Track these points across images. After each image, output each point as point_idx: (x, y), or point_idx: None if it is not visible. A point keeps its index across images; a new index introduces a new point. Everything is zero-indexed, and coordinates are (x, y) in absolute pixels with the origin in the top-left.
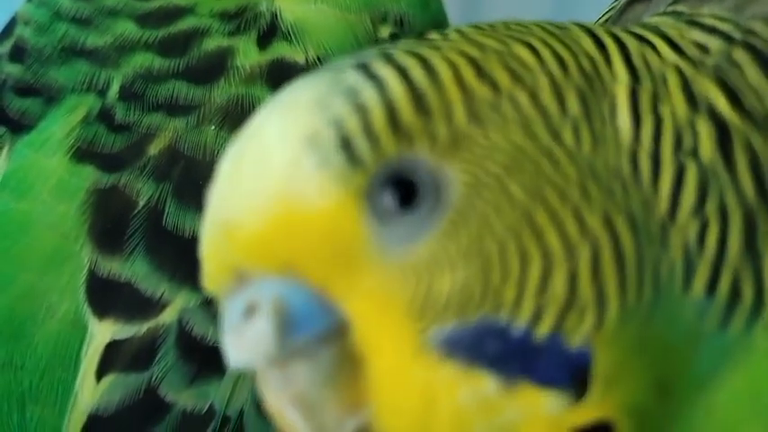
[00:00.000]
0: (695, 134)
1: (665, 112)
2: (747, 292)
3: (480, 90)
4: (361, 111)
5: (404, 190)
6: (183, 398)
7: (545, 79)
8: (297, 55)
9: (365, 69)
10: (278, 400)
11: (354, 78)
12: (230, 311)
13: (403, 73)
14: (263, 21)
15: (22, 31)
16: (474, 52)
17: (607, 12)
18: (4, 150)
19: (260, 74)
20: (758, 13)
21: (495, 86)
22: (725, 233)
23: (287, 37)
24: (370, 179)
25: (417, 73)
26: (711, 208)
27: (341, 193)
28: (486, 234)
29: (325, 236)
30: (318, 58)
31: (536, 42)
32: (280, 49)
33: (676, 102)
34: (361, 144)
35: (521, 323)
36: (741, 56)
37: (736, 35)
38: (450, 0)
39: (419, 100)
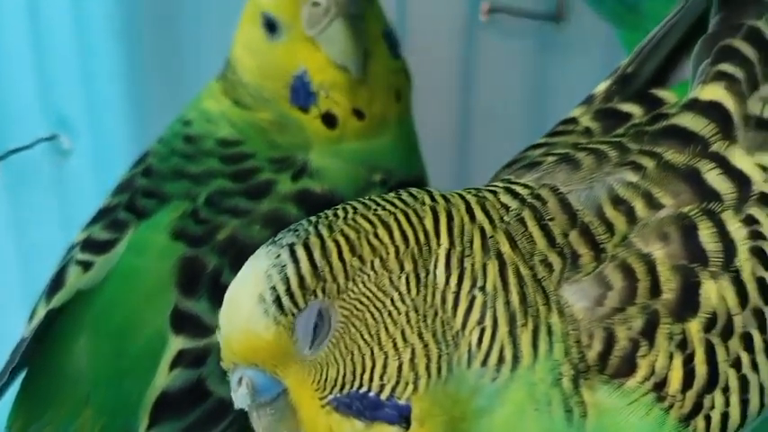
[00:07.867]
0: (485, 274)
1: (468, 264)
2: (508, 355)
3: (353, 262)
4: (286, 281)
5: (311, 324)
6: (220, 390)
7: (392, 250)
8: (316, 187)
9: (291, 250)
10: (258, 427)
11: (284, 256)
12: (232, 380)
13: (309, 253)
14: (297, 165)
15: (151, 160)
16: (352, 234)
17: (497, 172)
18: (132, 228)
19: (291, 196)
20: (547, 184)
21: (362, 259)
22: (495, 330)
23: (311, 176)
24: (293, 319)
25: (318, 253)
26: (488, 320)
27: (276, 329)
28: (353, 347)
29: (270, 349)
30: (330, 190)
31: (392, 223)
32: (306, 183)
33: (476, 255)
34: (287, 301)
35: (373, 392)
36: (526, 214)
37: (529, 199)
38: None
39: (318, 272)
